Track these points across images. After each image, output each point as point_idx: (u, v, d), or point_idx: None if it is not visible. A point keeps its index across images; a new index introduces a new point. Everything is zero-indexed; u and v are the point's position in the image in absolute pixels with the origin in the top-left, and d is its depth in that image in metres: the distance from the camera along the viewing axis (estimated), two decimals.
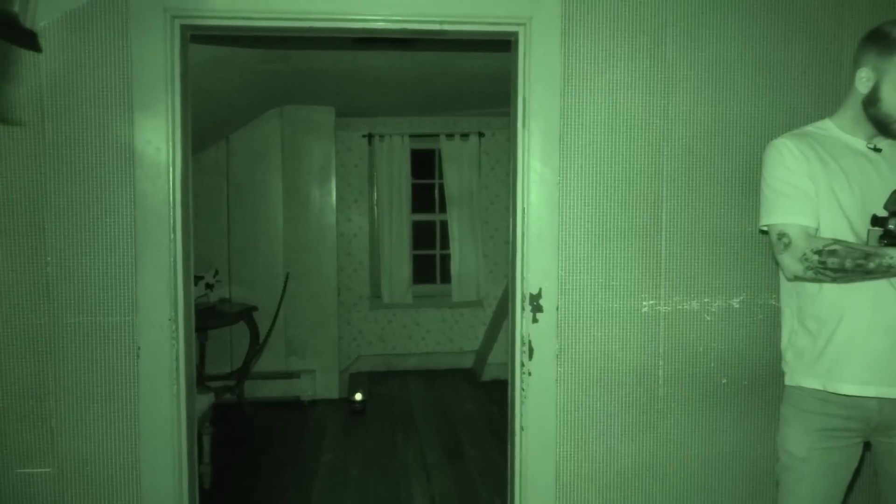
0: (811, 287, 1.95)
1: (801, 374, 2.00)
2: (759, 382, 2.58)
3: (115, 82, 2.32)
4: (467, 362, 6.77)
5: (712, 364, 2.56)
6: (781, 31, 2.52)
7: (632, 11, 2.46)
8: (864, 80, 1.90)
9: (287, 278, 5.54)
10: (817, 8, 2.53)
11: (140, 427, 2.39)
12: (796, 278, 1.92)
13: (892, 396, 1.89)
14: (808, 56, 2.54)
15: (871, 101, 1.89)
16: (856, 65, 1.95)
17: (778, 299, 2.53)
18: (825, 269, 1.82)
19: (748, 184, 2.52)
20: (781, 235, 1.90)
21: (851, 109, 1.97)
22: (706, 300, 2.54)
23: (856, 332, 1.89)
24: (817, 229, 1.90)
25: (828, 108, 2.49)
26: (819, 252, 1.82)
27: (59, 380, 2.35)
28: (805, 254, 1.84)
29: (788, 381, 2.05)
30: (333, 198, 5.83)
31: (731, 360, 2.57)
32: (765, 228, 2.01)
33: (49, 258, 2.32)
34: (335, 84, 5.02)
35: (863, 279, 1.85)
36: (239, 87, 4.63)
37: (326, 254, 5.81)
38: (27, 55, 2.27)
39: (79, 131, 2.31)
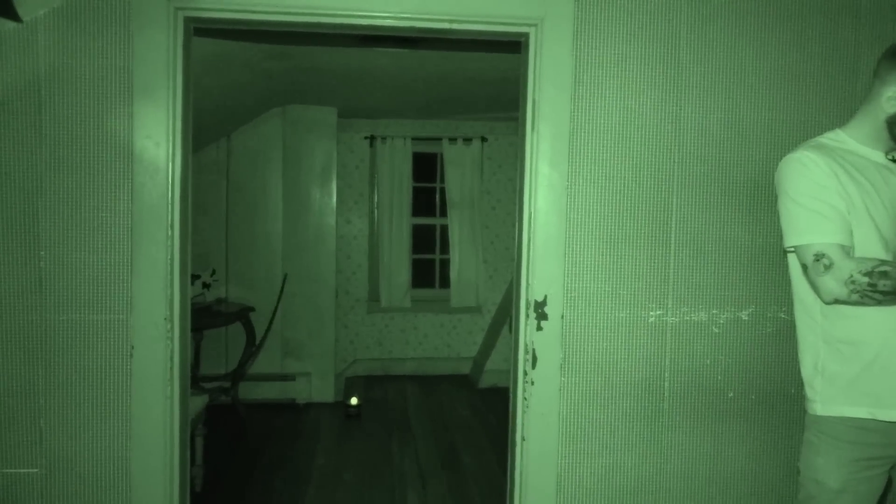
0: (844, 308, 1.84)
1: (836, 402, 1.88)
2: (767, 398, 2.52)
3: (116, 75, 2.26)
4: (465, 368, 6.70)
5: (719, 377, 2.50)
6: (797, 39, 2.48)
7: (645, 14, 2.41)
8: (892, 100, 1.82)
9: (285, 279, 5.48)
10: (834, 16, 2.48)
11: (132, 428, 2.32)
12: (836, 301, 1.79)
13: None
14: (824, 65, 2.49)
15: None
16: (879, 80, 1.86)
17: (788, 312, 2.48)
18: (875, 291, 1.70)
19: (760, 194, 2.47)
20: (820, 256, 1.77)
21: (870, 124, 1.89)
22: (714, 312, 2.49)
23: None
24: (852, 248, 1.80)
25: (843, 117, 2.44)
26: (869, 274, 1.70)
27: (49, 378, 2.29)
28: (852, 276, 1.72)
29: (822, 410, 1.90)
30: (334, 199, 5.77)
31: (738, 374, 2.51)
32: (791, 249, 1.90)
33: (42, 252, 2.26)
34: (338, 84, 4.97)
35: None
36: (241, 84, 4.58)
37: (325, 255, 5.76)
38: (21, 42, 2.21)
39: (77, 124, 2.26)
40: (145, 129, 2.27)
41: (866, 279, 1.70)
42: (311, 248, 5.72)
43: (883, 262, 1.72)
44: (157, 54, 2.26)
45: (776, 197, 1.95)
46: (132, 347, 2.30)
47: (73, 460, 2.31)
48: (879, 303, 1.75)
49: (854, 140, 1.91)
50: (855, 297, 1.73)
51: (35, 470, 2.29)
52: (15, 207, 2.25)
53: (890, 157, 1.89)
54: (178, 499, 2.38)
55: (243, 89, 4.75)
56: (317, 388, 5.71)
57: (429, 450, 4.69)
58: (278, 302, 5.37)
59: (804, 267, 1.84)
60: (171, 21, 2.26)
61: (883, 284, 1.70)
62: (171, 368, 2.34)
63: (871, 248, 1.81)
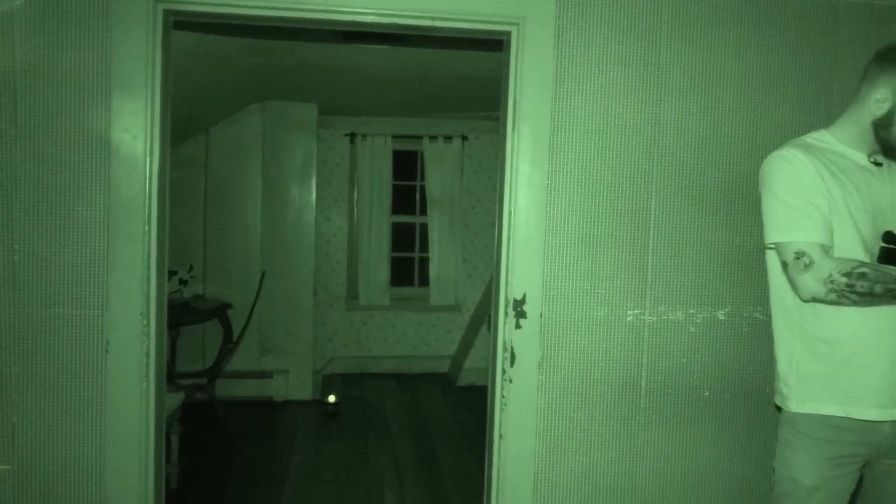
0: (822, 307, 1.85)
1: (811, 400, 1.89)
2: (742, 396, 2.55)
3: (94, 67, 2.23)
4: (443, 367, 6.71)
5: (695, 376, 2.53)
6: (774, 42, 2.51)
7: (626, 16, 2.43)
8: (879, 103, 1.84)
9: (263, 276, 5.45)
10: (811, 20, 2.51)
11: (106, 424, 2.29)
12: (814, 300, 1.81)
13: None
14: (801, 67, 2.52)
15: (884, 125, 1.84)
16: (868, 83, 1.87)
17: (763, 312, 2.51)
18: (852, 292, 1.72)
19: (736, 195, 2.50)
20: (800, 255, 1.79)
21: (856, 126, 1.90)
22: (691, 311, 2.51)
23: (876, 355, 1.83)
24: (832, 248, 1.82)
25: (819, 119, 2.48)
26: (848, 274, 1.72)
27: (22, 373, 2.25)
28: (831, 275, 1.73)
29: (796, 407, 1.92)
30: (313, 196, 5.75)
31: (714, 373, 2.54)
32: (772, 245, 1.92)
33: (17, 246, 2.22)
34: (319, 80, 4.95)
35: (888, 304, 1.78)
36: (220, 79, 4.54)
37: (304, 253, 5.73)
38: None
39: (53, 116, 2.22)
40: (123, 122, 2.25)
41: (845, 279, 1.72)
42: (289, 245, 5.69)
43: (862, 264, 1.74)
44: (135, 47, 2.24)
45: (759, 194, 1.97)
46: (108, 343, 2.27)
47: (46, 457, 2.28)
48: (855, 303, 1.77)
49: (838, 141, 1.93)
50: (832, 296, 1.75)
51: (7, 466, 2.25)
52: None
53: (872, 159, 1.92)
54: (153, 497, 2.36)
55: (222, 84, 4.72)
56: (294, 385, 5.68)
57: (406, 448, 4.69)
58: (256, 299, 5.34)
59: (784, 264, 1.86)
60: (150, 14, 2.24)
61: (861, 286, 1.72)
62: (147, 364, 2.32)
63: (851, 248, 1.83)
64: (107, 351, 2.28)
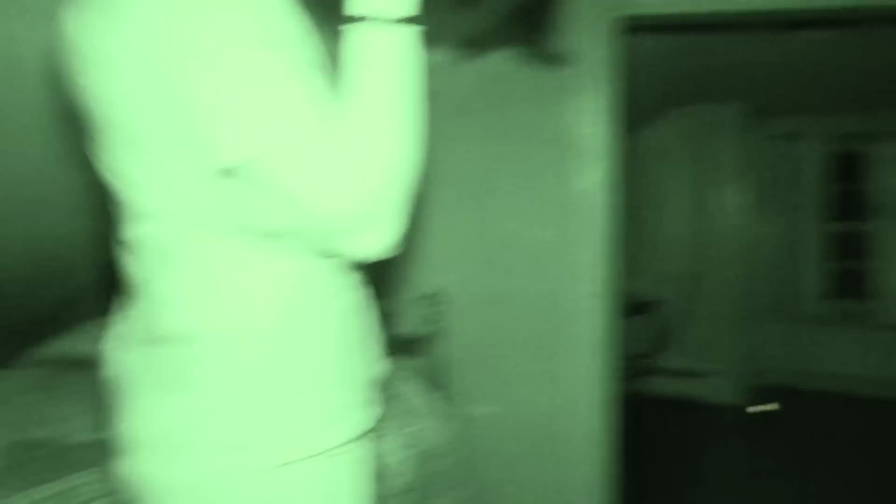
0: None
1: None
2: None
3: (546, 76, 2.53)
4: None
5: None
6: None
7: None
8: None
9: (696, 280, 5.46)
10: None
11: (565, 393, 2.57)
12: None
13: None
14: None
15: None
16: None
17: None
18: None
19: None
20: None
21: None
22: None
23: None
24: None
25: None
26: None
27: (502, 335, 2.65)
28: None
29: None
30: (741, 200, 5.58)
31: None
32: None
33: (491, 226, 2.65)
34: (748, 79, 4.78)
35: None
36: (646, 82, 4.62)
37: (732, 257, 5.60)
38: None
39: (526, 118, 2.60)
40: (582, 119, 2.52)
41: None
42: (717, 248, 5.61)
43: None
44: (589, 53, 2.48)
45: None
46: (565, 318, 2.56)
47: (534, 403, 2.64)
48: None
49: None
50: None
51: (496, 408, 2.67)
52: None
53: None
54: (610, 468, 2.59)
55: (647, 87, 4.82)
56: (722, 389, 5.57)
57: (857, 473, 4.24)
58: (690, 301, 5.37)
59: None
60: (602, 26, 2.47)
61: None
62: (600, 343, 2.56)
63: None
64: (565, 326, 2.58)
